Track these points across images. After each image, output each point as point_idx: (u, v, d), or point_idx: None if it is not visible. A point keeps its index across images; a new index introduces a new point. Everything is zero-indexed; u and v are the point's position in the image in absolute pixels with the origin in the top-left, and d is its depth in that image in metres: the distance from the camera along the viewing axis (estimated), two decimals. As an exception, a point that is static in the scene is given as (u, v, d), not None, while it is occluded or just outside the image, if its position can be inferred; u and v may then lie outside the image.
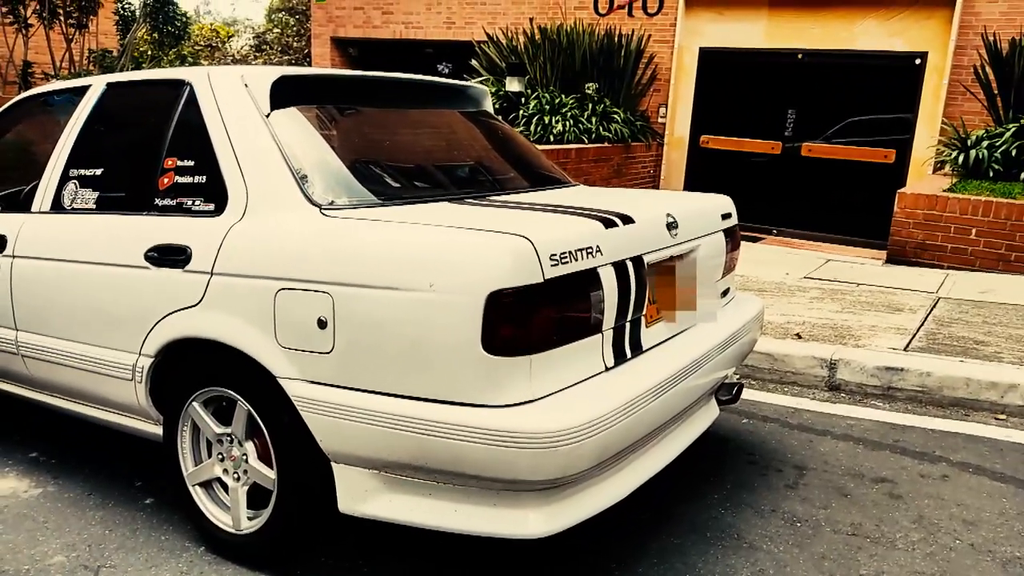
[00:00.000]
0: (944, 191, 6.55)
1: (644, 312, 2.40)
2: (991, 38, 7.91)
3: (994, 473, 3.00)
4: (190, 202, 2.50)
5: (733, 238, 3.00)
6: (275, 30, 22.09)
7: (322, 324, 2.11)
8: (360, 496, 2.20)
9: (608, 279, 2.17)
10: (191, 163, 2.53)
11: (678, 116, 10.73)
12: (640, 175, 10.42)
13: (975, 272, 6.03)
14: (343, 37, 13.48)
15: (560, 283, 2.00)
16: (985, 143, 7.44)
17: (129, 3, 13.54)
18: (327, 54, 13.73)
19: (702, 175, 10.58)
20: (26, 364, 2.94)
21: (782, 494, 2.84)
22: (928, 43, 9.13)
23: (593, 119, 9.48)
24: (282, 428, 2.28)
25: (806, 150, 9.96)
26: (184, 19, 13.88)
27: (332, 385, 2.14)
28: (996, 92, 7.98)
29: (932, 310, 4.88)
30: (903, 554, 2.46)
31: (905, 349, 4.06)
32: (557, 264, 1.99)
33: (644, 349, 2.40)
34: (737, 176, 10.24)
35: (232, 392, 2.38)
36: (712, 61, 10.41)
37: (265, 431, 2.32)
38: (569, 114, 9.37)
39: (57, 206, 2.86)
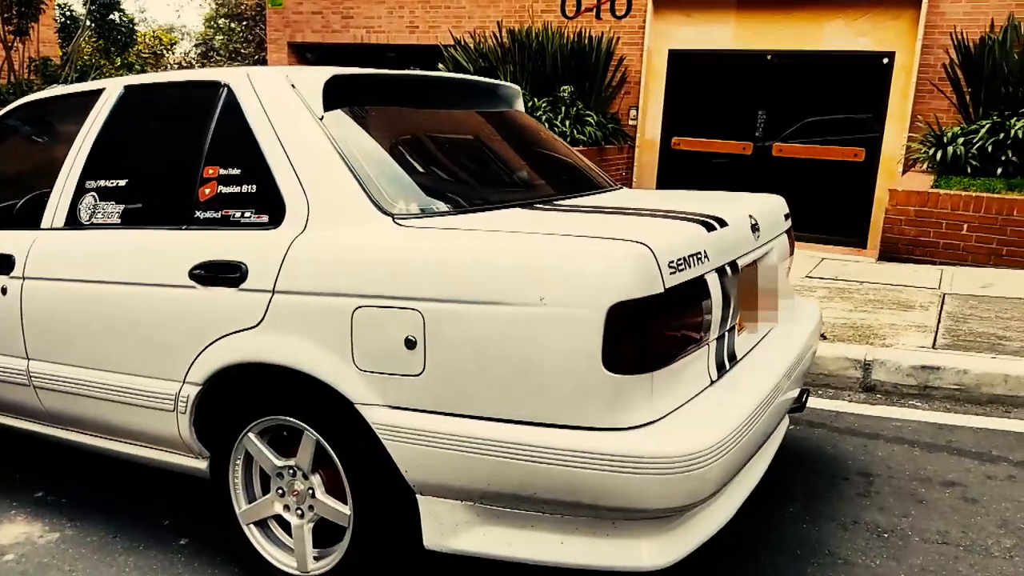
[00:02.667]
0: (933, 188, 6.62)
1: (737, 320, 2.27)
2: (959, 38, 8.05)
3: (1060, 472, 2.96)
4: (238, 214, 2.28)
5: (791, 239, 2.90)
6: (218, 36, 21.53)
7: (410, 344, 1.93)
8: (449, 530, 2.02)
9: (714, 286, 2.04)
10: (237, 172, 2.32)
11: (649, 118, 10.71)
12: (613, 178, 10.36)
13: (968, 267, 6.09)
14: (301, 42, 13.15)
15: (677, 292, 1.85)
16: (961, 139, 7.55)
17: (71, 10, 12.99)
18: (284, 59, 13.36)
19: (674, 177, 10.57)
20: (39, 396, 2.67)
21: (857, 503, 2.74)
22: (895, 43, 9.28)
23: (567, 122, 9.39)
24: (359, 459, 2.08)
25: (777, 150, 10.03)
26: (131, 25, 13.37)
27: (422, 411, 1.96)
28: (966, 90, 8.12)
29: (943, 306, 4.88)
30: (1002, 562, 2.38)
31: (933, 347, 4.03)
32: (675, 272, 1.85)
33: (738, 359, 2.27)
34: (709, 177, 10.25)
35: (297, 421, 2.17)
36: (682, 63, 10.42)
37: (338, 462, 2.12)
38: (543, 118, 9.26)
39: (73, 221, 2.60)
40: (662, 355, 1.83)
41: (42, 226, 2.67)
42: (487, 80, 2.99)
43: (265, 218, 2.23)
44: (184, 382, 2.31)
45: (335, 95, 2.34)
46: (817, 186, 9.78)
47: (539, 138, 3.05)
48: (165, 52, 21.04)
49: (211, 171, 2.36)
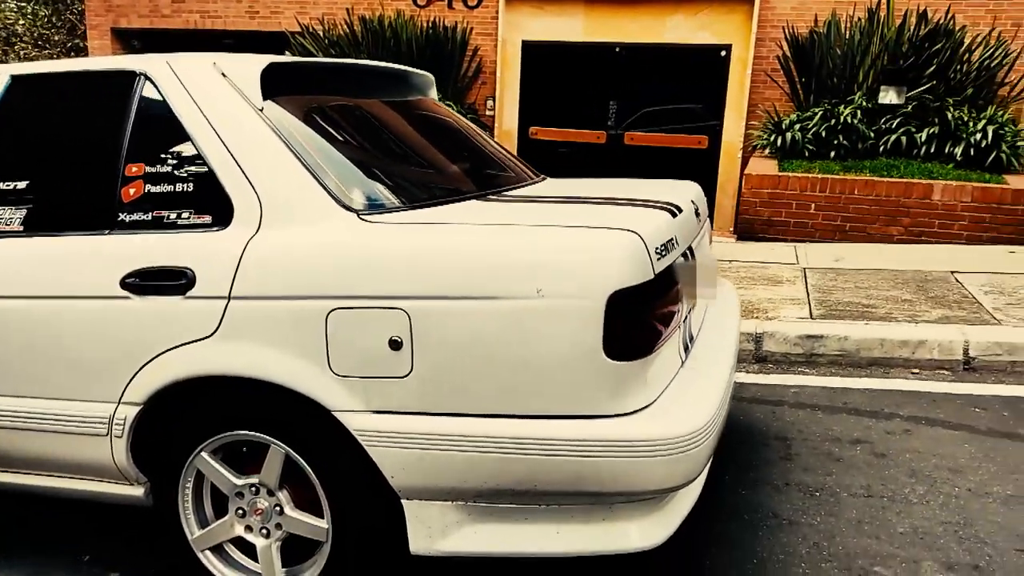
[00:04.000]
0: (781, 172, 7.14)
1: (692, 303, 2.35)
2: (791, 32, 8.71)
3: (945, 423, 3.30)
4: (173, 215, 2.09)
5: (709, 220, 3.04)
6: (20, 21, 19.54)
7: (395, 345, 1.85)
8: (438, 533, 1.97)
9: (681, 270, 2.10)
10: (167, 169, 2.12)
11: (506, 108, 10.82)
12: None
13: (817, 243, 6.64)
14: (126, 28, 12.19)
15: (662, 278, 1.89)
16: (797, 126, 8.19)
17: None
18: (107, 46, 12.34)
19: (533, 166, 10.74)
20: (-75, 431, 2.33)
21: (782, 467, 2.93)
22: (731, 36, 9.90)
23: (428, 112, 9.30)
24: (337, 469, 1.98)
25: (628, 138, 10.44)
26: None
27: (409, 413, 1.89)
28: (798, 80, 8.81)
29: (807, 280, 5.29)
30: (921, 508, 2.62)
31: (811, 317, 4.37)
32: (660, 258, 1.89)
33: (694, 339, 2.36)
34: (567, 165, 10.51)
35: (262, 435, 2.03)
36: (535, 54, 10.60)
37: (312, 475, 2.01)
38: (405, 108, 9.13)
39: (-42, 230, 2.28)
40: (653, 340, 1.87)
41: (-85, 237, 2.32)
42: (409, 69, 2.91)
43: (208, 218, 2.06)
44: (120, 403, 2.09)
45: (272, 84, 2.20)
46: (666, 172, 10.27)
47: (461, 128, 3.01)
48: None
49: (135, 169, 2.15)
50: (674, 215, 2.16)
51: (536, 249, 1.81)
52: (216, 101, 2.13)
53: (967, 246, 6.20)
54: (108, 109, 2.24)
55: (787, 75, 8.93)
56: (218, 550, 2.19)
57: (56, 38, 18.11)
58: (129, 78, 2.23)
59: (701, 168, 10.13)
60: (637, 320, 1.80)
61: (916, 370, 3.94)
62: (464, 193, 2.36)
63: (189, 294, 2.00)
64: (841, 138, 7.91)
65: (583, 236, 1.81)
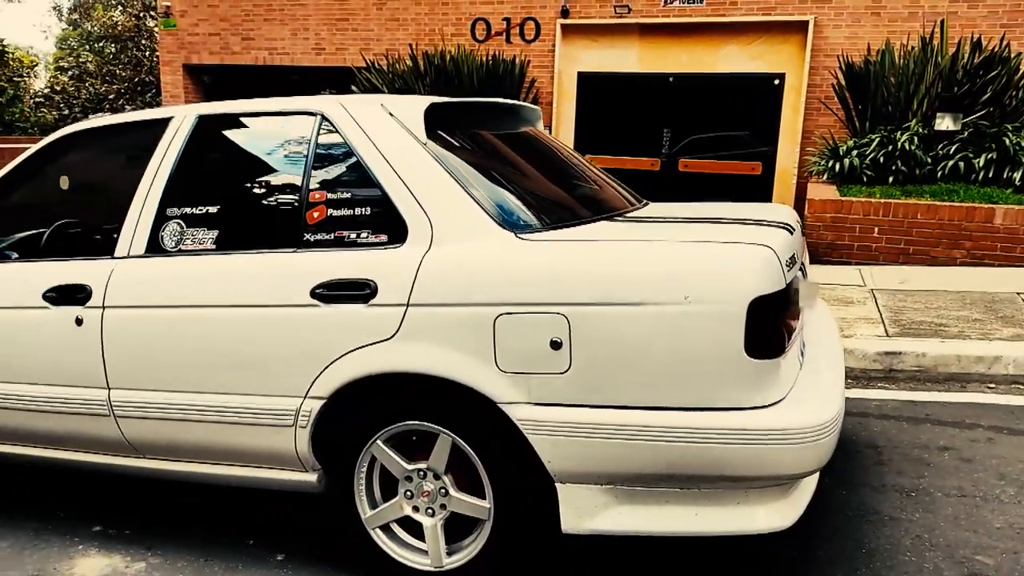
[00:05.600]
0: (842, 196, 7.34)
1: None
2: (846, 61, 8.93)
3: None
4: (354, 235, 2.41)
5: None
6: (92, 58, 20.51)
7: (556, 345, 2.14)
8: (588, 513, 2.23)
9: (799, 281, 2.36)
10: (347, 195, 2.45)
11: (561, 137, 11.17)
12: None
13: (881, 266, 6.81)
14: (197, 64, 12.83)
15: (790, 287, 2.16)
16: (855, 152, 8.39)
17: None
18: (179, 82, 13.00)
19: (589, 192, 11.04)
20: (120, 425, 2.67)
21: (878, 471, 3.15)
22: (784, 65, 10.16)
23: (491, 142, 9.66)
24: (499, 455, 2.26)
25: (683, 165, 10.71)
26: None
27: (567, 405, 2.16)
28: (852, 107, 9.01)
29: (876, 301, 5.48)
30: (1014, 506, 2.82)
31: (887, 335, 4.57)
32: (788, 269, 2.16)
33: (805, 346, 2.61)
34: (622, 192, 10.79)
35: (432, 425, 2.32)
36: (591, 85, 10.95)
37: (477, 460, 2.29)
38: (469, 138, 9.51)
39: (156, 249, 2.63)
40: (784, 342, 2.13)
41: (117, 254, 2.68)
42: (523, 103, 3.20)
43: (384, 237, 2.38)
44: (306, 397, 2.40)
45: (432, 122, 2.52)
46: (720, 197, 10.48)
47: (570, 156, 3.30)
48: (26, 76, 19.85)
49: (317, 196, 2.48)
50: (790, 233, 2.42)
51: (683, 261, 2.09)
52: (388, 137, 2.46)
53: (1030, 268, 6.34)
54: (290, 144, 2.59)
55: (842, 103, 9.14)
56: (385, 528, 2.47)
57: (123, 74, 18.97)
58: (308, 117, 2.58)
59: (755, 194, 10.35)
60: (773, 324, 2.06)
61: (992, 385, 4.12)
62: (592, 215, 2.64)
63: (372, 302, 2.31)
64: (899, 164, 8.09)
65: (726, 250, 2.09)
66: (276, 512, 3.01)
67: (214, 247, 2.57)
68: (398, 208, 2.37)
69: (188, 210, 2.63)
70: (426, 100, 2.57)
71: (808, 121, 10.09)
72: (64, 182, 3.10)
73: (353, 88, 10.76)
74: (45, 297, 2.70)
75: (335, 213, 2.45)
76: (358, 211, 2.43)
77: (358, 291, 2.33)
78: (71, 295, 2.67)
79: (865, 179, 8.23)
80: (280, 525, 2.92)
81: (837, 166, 8.43)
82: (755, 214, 2.72)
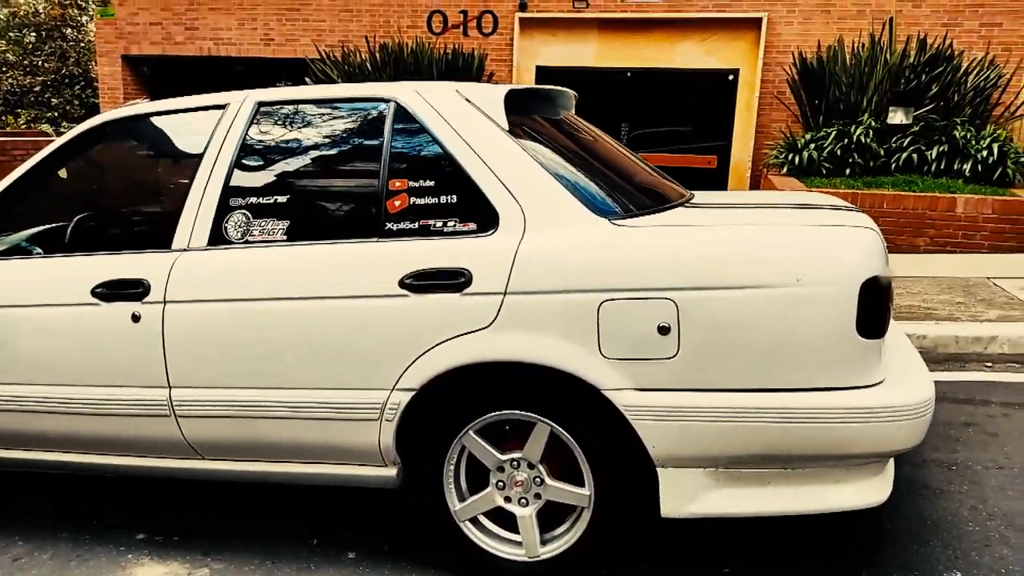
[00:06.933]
0: (808, 188, 7.57)
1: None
2: (801, 56, 9.21)
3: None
4: (439, 224, 2.37)
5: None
6: (11, 48, 19.45)
7: (664, 330, 2.15)
8: (689, 497, 2.25)
9: (882, 265, 2.43)
10: (431, 184, 2.40)
11: (520, 131, 11.17)
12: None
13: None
14: (138, 55, 12.32)
15: (886, 270, 2.22)
16: (812, 145, 8.67)
17: None
18: (118, 73, 12.45)
19: (548, 186, 11.09)
20: (181, 426, 2.55)
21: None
22: (739, 61, 10.42)
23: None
24: (600, 442, 2.26)
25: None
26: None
27: (673, 389, 2.18)
28: (806, 102, 9.31)
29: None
30: (1050, 476, 2.99)
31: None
32: (886, 251, 2.22)
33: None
34: (582, 185, 10.87)
35: (529, 413, 2.30)
36: (549, 79, 10.97)
37: (576, 448, 2.28)
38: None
39: (219, 240, 2.52)
40: (887, 322, 2.19)
41: (175, 247, 2.56)
42: (561, 88, 3.14)
43: (473, 226, 2.34)
44: (393, 389, 2.35)
45: (512, 108, 2.50)
46: (677, 190, 10.72)
47: (615, 142, 3.27)
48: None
49: (398, 184, 2.42)
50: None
51: (795, 244, 2.13)
52: (471, 125, 2.42)
53: (991, 255, 6.68)
54: (363, 131, 2.52)
55: (796, 98, 9.42)
56: (473, 521, 2.44)
57: (48, 65, 18.06)
58: (381, 104, 2.52)
59: (711, 186, 10.57)
60: (882, 303, 2.12)
61: (989, 364, 4.34)
62: (663, 202, 2.66)
63: (466, 291, 2.27)
64: (855, 156, 8.40)
65: (837, 233, 2.14)
66: (329, 509, 2.93)
67: (285, 238, 2.48)
68: (487, 196, 2.33)
69: (254, 200, 2.53)
70: (501, 87, 2.54)
71: (762, 116, 10.37)
72: (63, 172, 2.95)
73: (307, 80, 10.52)
74: (94, 294, 2.56)
75: (418, 201, 2.40)
76: (443, 199, 2.38)
77: (451, 280, 2.29)
78: (125, 290, 2.54)
79: (824, 171, 8.52)
80: (338, 523, 2.84)
81: (796, 159, 8.70)
82: (811, 200, 2.79)
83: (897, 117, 8.58)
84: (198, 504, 3.02)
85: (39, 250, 2.82)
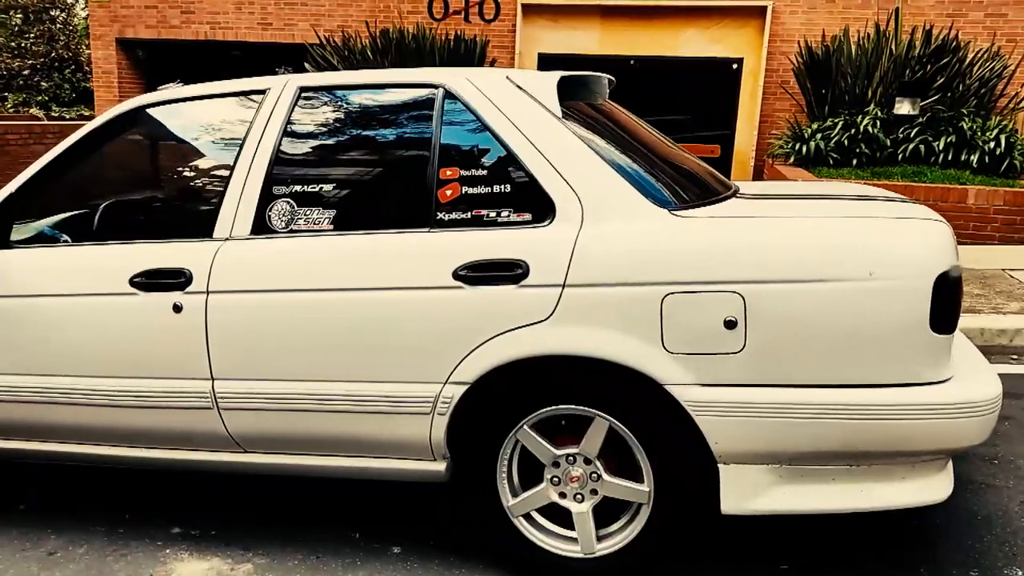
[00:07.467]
0: (819, 178, 7.55)
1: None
2: (806, 45, 9.17)
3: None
4: (493, 214, 2.31)
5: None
6: (-4, 30, 19.10)
7: (730, 324, 2.10)
8: (750, 494, 2.22)
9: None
10: (483, 173, 2.34)
11: (522, 118, 11.08)
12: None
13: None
14: (132, 39, 12.13)
15: (958, 264, 2.18)
16: (819, 136, 8.65)
17: None
18: (112, 57, 12.26)
19: (550, 174, 11.02)
20: (224, 418, 2.49)
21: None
22: (743, 50, 10.37)
23: (458, 123, 9.51)
24: (661, 437, 2.22)
25: (643, 147, 10.79)
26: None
27: (738, 385, 2.13)
28: (811, 91, 9.27)
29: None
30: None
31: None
32: (956, 245, 2.18)
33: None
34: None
35: (587, 408, 2.25)
36: (552, 66, 10.89)
37: (636, 442, 2.24)
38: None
39: (263, 229, 2.45)
40: (958, 316, 2.15)
41: (216, 236, 2.48)
42: (605, 75, 3.06)
43: (527, 216, 2.28)
44: (446, 383, 2.29)
45: (564, 96, 2.44)
46: (679, 180, 10.68)
47: (653, 130, 3.19)
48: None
49: (449, 173, 2.36)
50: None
51: (867, 237, 2.08)
52: (524, 113, 2.35)
53: (1003, 246, 6.68)
54: (411, 118, 2.45)
55: (802, 87, 9.39)
56: (526, 516, 2.39)
57: (36, 49, 17.76)
58: (430, 90, 2.45)
59: (713, 176, 10.56)
60: (953, 298, 2.08)
61: (1015, 356, 4.33)
62: (715, 192, 2.60)
63: (523, 283, 2.21)
64: (863, 146, 8.39)
65: (910, 225, 2.10)
66: (366, 501, 2.88)
67: (331, 227, 2.42)
68: (543, 186, 2.27)
69: (298, 188, 2.46)
70: (554, 74, 2.48)
71: (765, 105, 10.34)
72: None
73: (306, 65, 10.40)
74: (133, 283, 2.48)
75: (470, 191, 2.34)
76: (495, 189, 2.32)
77: (507, 272, 2.23)
78: (166, 280, 2.46)
79: (831, 161, 8.50)
80: (377, 516, 2.79)
81: (804, 149, 8.68)
82: (862, 191, 2.75)
83: (904, 108, 8.56)
84: (230, 498, 2.96)
85: (66, 238, 2.74)
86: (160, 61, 12.45)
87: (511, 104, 2.37)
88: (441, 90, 2.44)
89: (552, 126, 2.34)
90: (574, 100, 2.60)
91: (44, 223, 2.80)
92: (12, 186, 2.71)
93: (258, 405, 2.44)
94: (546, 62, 10.86)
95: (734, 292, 2.09)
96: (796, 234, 2.11)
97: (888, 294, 2.04)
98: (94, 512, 2.88)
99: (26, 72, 16.77)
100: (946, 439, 2.08)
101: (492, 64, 10.74)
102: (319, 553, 2.58)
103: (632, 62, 10.65)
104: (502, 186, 2.32)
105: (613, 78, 3.04)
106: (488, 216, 2.31)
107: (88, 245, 2.63)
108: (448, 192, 2.35)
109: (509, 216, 2.30)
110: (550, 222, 2.25)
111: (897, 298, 2.04)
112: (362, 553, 2.57)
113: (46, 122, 12.92)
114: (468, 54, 10.21)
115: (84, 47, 17.60)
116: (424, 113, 2.44)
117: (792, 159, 8.79)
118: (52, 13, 18.49)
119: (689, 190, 2.50)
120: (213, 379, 2.46)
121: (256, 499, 2.95)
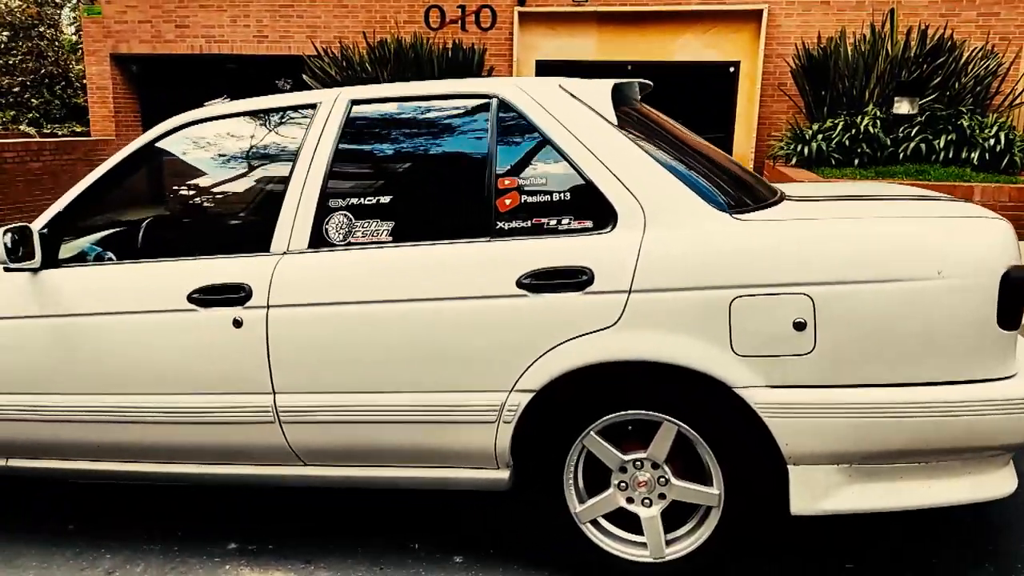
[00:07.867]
0: (825, 179, 7.61)
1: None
2: (804, 47, 9.26)
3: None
4: (553, 222, 2.32)
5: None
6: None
7: (800, 326, 2.12)
8: (820, 494, 2.23)
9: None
10: (542, 181, 2.35)
11: (521, 126, 11.12)
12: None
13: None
14: (127, 54, 12.08)
15: (1021, 260, 2.21)
16: (820, 136, 8.72)
17: None
18: (106, 72, 12.20)
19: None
20: (285, 432, 2.49)
21: None
22: (739, 53, 10.45)
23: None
24: (731, 440, 2.24)
25: (642, 152, 10.85)
26: None
27: (808, 386, 2.15)
28: (809, 93, 9.35)
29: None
30: None
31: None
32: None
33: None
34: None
35: (655, 413, 2.27)
36: (549, 73, 10.93)
37: (706, 446, 2.25)
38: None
39: (320, 242, 2.46)
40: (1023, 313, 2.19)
41: (273, 250, 2.49)
42: (643, 80, 3.07)
43: (589, 223, 2.30)
44: (512, 391, 2.30)
45: (617, 103, 2.46)
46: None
47: (691, 133, 3.21)
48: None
49: (508, 182, 2.37)
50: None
51: (934, 237, 2.11)
52: (581, 121, 2.37)
53: (1009, 242, 6.74)
54: (466, 129, 2.47)
55: (800, 89, 9.47)
56: (593, 522, 2.40)
57: (25, 65, 17.64)
58: (483, 100, 2.46)
59: (713, 179, 10.63)
60: (1019, 294, 2.11)
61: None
62: (766, 196, 2.62)
63: (588, 290, 2.23)
64: (864, 146, 8.47)
65: (975, 224, 2.14)
66: (421, 511, 2.88)
67: (390, 239, 2.42)
68: (603, 193, 2.29)
69: (355, 201, 2.46)
70: (607, 81, 2.50)
71: (763, 107, 10.42)
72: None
73: (304, 77, 10.38)
74: (191, 299, 2.48)
75: (529, 200, 2.35)
76: (555, 197, 2.34)
77: (571, 279, 2.24)
78: (224, 295, 2.46)
79: (833, 162, 8.57)
80: (433, 525, 2.80)
81: (805, 150, 8.74)
82: (907, 191, 2.79)
83: (903, 107, 8.65)
84: (278, 510, 2.95)
85: (111, 256, 2.73)
86: (155, 76, 12.40)
87: (567, 113, 2.39)
88: (495, 100, 2.45)
89: (609, 133, 2.35)
90: (622, 106, 2.63)
91: (89, 239, 2.80)
92: (60, 205, 2.70)
93: (320, 418, 2.44)
94: (544, 69, 10.91)
95: (803, 294, 2.12)
96: (862, 236, 2.14)
97: (956, 292, 2.07)
98: (144, 530, 2.86)
99: (16, 89, 16.64)
100: (1015, 434, 2.11)
101: (490, 72, 10.78)
102: (382, 564, 2.58)
103: (629, 68, 10.70)
104: (561, 194, 2.34)
105: (650, 83, 3.06)
106: (548, 224, 2.32)
107: (140, 263, 2.62)
108: (507, 201, 2.36)
109: (570, 224, 2.31)
110: (612, 228, 2.27)
111: (965, 296, 2.07)
112: (424, 563, 2.57)
113: (40, 139, 12.83)
114: (466, 63, 10.23)
115: (73, 63, 17.51)
116: (479, 123, 2.46)
117: (794, 160, 8.86)
118: (40, 30, 18.38)
119: (742, 193, 2.52)
120: (275, 393, 2.46)
121: (305, 511, 2.94)
